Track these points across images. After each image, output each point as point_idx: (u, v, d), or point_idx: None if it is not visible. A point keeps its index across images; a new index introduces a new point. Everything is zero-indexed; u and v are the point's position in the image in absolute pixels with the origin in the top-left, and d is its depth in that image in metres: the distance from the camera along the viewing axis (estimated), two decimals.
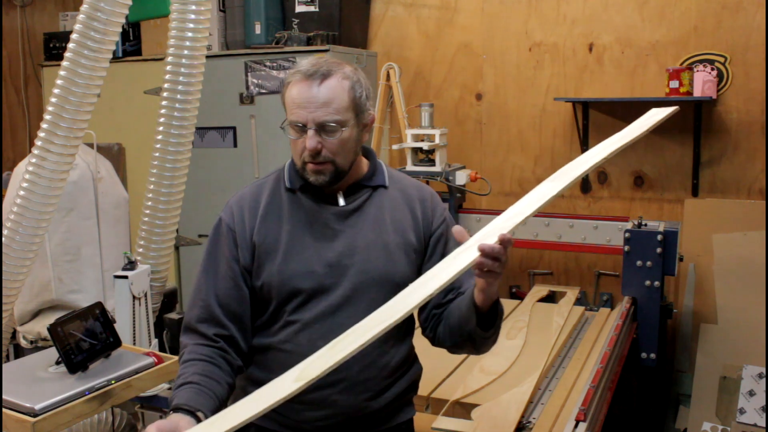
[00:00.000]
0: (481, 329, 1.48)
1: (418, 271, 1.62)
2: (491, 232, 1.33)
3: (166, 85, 2.59)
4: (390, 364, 1.59)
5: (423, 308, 1.63)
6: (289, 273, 1.55)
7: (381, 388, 1.58)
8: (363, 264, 1.56)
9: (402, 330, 1.63)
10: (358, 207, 1.61)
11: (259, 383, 1.30)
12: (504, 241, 1.30)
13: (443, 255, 1.61)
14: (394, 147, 3.36)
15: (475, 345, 1.55)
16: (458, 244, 1.66)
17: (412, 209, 1.65)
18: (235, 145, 3.46)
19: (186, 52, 2.55)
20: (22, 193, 2.40)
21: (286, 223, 1.59)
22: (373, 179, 1.64)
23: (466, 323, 1.51)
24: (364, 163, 1.65)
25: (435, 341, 1.64)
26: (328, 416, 1.55)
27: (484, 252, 1.29)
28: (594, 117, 3.42)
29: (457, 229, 1.38)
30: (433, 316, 1.62)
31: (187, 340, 1.56)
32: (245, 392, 1.33)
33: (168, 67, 2.59)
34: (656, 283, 2.80)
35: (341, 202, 1.60)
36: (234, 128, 3.45)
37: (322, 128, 1.50)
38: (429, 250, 1.65)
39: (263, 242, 1.57)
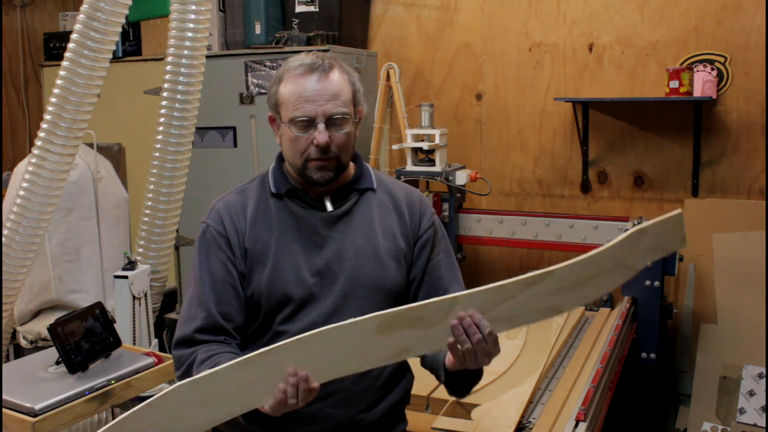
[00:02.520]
0: (449, 388, 1.46)
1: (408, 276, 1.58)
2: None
3: (166, 85, 2.59)
4: (383, 374, 1.55)
5: None
6: (279, 281, 1.50)
7: (374, 399, 1.54)
8: (353, 271, 1.51)
9: None
10: (346, 212, 1.56)
11: None
12: (490, 336, 1.24)
13: (428, 261, 1.59)
14: (394, 147, 3.36)
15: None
16: (446, 251, 1.62)
17: (400, 213, 1.60)
18: (235, 145, 3.46)
19: (186, 52, 2.55)
20: (22, 193, 2.40)
21: (275, 230, 1.53)
22: (361, 182, 1.59)
23: (436, 372, 1.50)
24: (351, 166, 1.59)
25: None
26: (322, 431, 1.50)
27: (459, 322, 1.24)
28: (594, 117, 3.42)
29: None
30: None
31: (193, 348, 1.49)
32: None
33: (168, 67, 2.59)
34: (656, 283, 2.80)
35: (329, 207, 1.55)
36: (234, 128, 3.45)
37: (330, 122, 1.46)
38: (414, 255, 1.59)
39: (254, 249, 1.52)
